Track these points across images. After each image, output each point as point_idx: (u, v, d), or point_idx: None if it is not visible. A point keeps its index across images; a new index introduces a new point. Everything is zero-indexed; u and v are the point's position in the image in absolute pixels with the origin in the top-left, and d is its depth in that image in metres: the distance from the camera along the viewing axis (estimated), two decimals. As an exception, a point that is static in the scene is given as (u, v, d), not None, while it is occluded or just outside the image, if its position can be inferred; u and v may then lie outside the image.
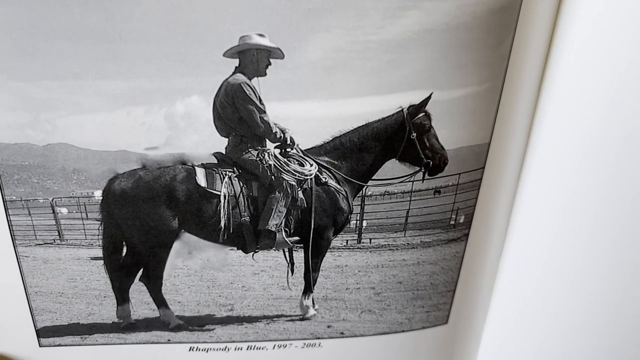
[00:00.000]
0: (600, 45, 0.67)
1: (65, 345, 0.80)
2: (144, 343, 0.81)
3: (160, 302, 0.82)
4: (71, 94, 0.65)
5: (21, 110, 0.66)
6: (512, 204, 0.79)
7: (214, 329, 0.82)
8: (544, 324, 0.82)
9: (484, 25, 0.65)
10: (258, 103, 0.78)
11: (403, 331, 0.83)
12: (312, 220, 0.86)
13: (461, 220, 0.79)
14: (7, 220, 0.72)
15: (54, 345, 0.79)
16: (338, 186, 0.88)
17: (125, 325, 0.81)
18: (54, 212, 0.84)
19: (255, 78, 0.75)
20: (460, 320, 0.85)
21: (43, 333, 0.79)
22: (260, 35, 0.65)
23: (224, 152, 0.82)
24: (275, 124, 0.79)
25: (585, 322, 0.78)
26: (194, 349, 0.80)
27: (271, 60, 0.68)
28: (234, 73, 0.74)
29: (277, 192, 0.84)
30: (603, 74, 0.67)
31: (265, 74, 0.71)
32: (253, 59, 0.73)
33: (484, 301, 0.85)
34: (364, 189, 0.90)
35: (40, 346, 0.79)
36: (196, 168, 0.82)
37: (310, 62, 0.65)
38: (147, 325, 0.81)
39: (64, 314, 0.80)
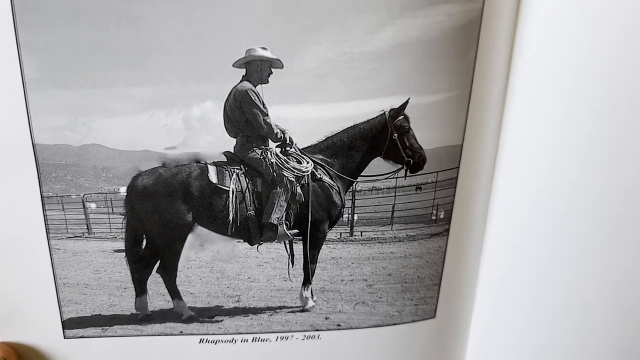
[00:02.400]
0: (552, 58, 0.74)
1: (87, 337, 0.81)
2: (158, 335, 0.82)
3: (175, 293, 0.86)
4: (104, 99, 0.71)
5: (62, 114, 0.71)
6: (488, 200, 0.83)
7: (222, 321, 0.84)
8: (527, 317, 0.84)
9: (450, 39, 0.72)
10: (262, 107, 0.85)
11: (395, 324, 0.84)
12: (310, 214, 0.91)
13: (441, 216, 0.83)
14: (44, 215, 0.75)
15: (77, 337, 0.80)
16: (331, 182, 0.94)
17: (142, 317, 0.83)
18: (84, 207, 0.89)
19: (259, 85, 0.83)
20: (447, 314, 0.86)
21: (68, 324, 0.80)
22: (263, 48, 0.72)
23: (232, 151, 0.88)
24: (276, 125, 0.86)
25: (565, 310, 0.82)
26: (204, 341, 0.82)
27: (272, 69, 0.76)
28: (241, 81, 0.81)
29: (278, 188, 0.90)
30: (557, 82, 0.74)
31: (268, 82, 0.79)
32: (257, 68, 0.79)
33: (468, 295, 0.87)
34: (354, 184, 0.96)
35: (64, 338, 0.80)
36: (208, 166, 0.88)
37: (305, 71, 0.72)
38: (162, 316, 0.84)
39: (87, 305, 0.82)
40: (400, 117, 0.84)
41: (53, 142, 0.73)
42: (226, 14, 0.68)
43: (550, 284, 0.81)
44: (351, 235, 0.96)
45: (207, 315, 0.85)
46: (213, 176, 0.89)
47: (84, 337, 0.80)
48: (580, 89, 0.73)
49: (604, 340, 0.82)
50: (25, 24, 0.67)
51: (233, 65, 0.73)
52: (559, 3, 0.72)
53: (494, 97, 0.77)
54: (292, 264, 0.90)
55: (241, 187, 0.90)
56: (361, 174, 0.96)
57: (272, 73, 0.78)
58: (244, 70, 0.80)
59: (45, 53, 0.68)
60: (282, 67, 0.73)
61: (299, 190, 0.91)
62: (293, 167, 0.90)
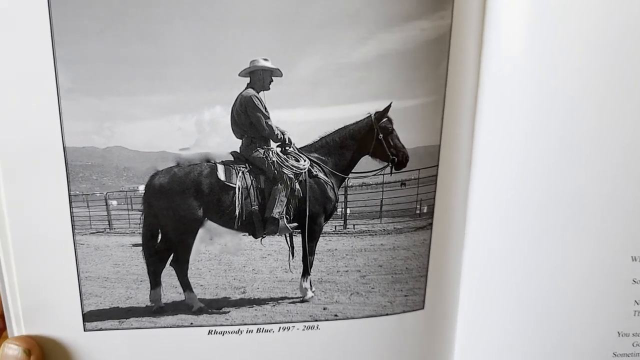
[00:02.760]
0: (516, 66, 0.80)
1: (105, 330, 0.81)
2: (170, 327, 0.83)
3: (186, 285, 0.87)
4: (127, 106, 0.76)
5: (91, 120, 0.75)
6: (467, 196, 0.86)
7: (229, 312, 0.86)
8: (510, 308, 0.84)
9: (424, 51, 0.78)
10: (264, 111, 0.90)
11: (387, 314, 0.85)
12: (307, 208, 0.96)
13: (425, 210, 0.86)
14: (70, 212, 0.77)
15: (96, 330, 0.81)
16: (326, 178, 0.98)
17: (156, 309, 0.85)
18: (106, 204, 0.93)
19: (262, 92, 0.87)
20: (435, 305, 0.87)
21: (88, 317, 0.80)
22: (265, 59, 0.78)
23: (238, 151, 0.93)
24: (276, 127, 0.89)
25: (546, 296, 0.83)
26: (212, 332, 0.83)
27: (273, 77, 0.81)
28: (246, 88, 0.85)
29: (279, 184, 0.94)
30: (522, 88, 0.80)
31: (269, 89, 0.84)
32: (260, 77, 0.84)
33: (454, 287, 0.88)
34: (346, 180, 1.01)
35: (85, 330, 0.81)
36: (217, 165, 0.93)
37: (301, 79, 0.78)
38: (174, 308, 0.85)
39: (106, 298, 0.83)
40: (384, 119, 0.88)
41: (81, 145, 0.77)
42: (233, 30, 0.74)
43: (529, 275, 0.83)
44: (345, 228, 1.03)
45: (215, 306, 0.86)
46: (221, 174, 0.93)
47: (102, 330, 0.81)
48: (543, 93, 0.78)
49: (589, 322, 0.82)
50: (62, 41, 0.71)
51: (239, 75, 0.79)
52: (518, 18, 0.78)
53: (466, 102, 0.82)
54: (293, 255, 0.93)
55: (246, 184, 0.95)
56: (352, 171, 1.01)
57: (272, 81, 0.82)
58: (249, 78, 0.84)
59: (78, 66, 0.73)
60: (281, 75, 0.78)
61: (297, 186, 0.95)
62: (292, 165, 0.94)
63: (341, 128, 0.93)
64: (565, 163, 0.79)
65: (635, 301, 0.80)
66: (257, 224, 0.96)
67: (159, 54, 0.75)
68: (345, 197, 1.02)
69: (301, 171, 0.96)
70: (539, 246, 0.82)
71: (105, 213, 0.96)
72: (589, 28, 0.77)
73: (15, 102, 0.73)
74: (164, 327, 0.83)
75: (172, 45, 0.74)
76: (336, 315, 0.85)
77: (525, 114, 0.80)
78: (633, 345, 0.82)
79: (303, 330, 0.84)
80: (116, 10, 0.72)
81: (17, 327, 0.79)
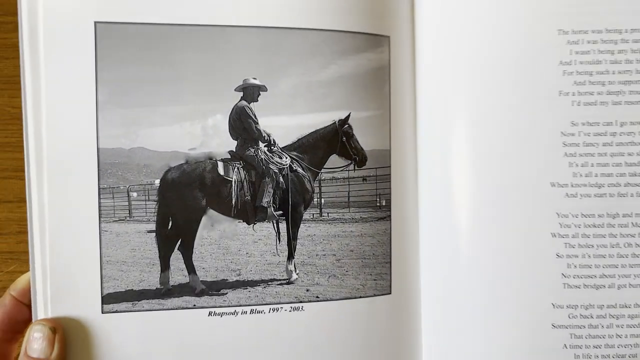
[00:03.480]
0: (442, 89, 0.87)
1: (120, 312, 0.81)
2: (176, 309, 0.82)
3: (191, 268, 0.89)
4: (149, 115, 0.81)
5: (120, 126, 0.80)
6: (417, 192, 0.88)
7: (226, 293, 0.86)
8: (462, 291, 0.85)
9: (371, 76, 0.86)
10: (254, 118, 0.96)
11: (360, 297, 0.85)
12: (290, 198, 1.01)
13: (384, 203, 0.88)
14: (99, 203, 0.80)
15: (112, 312, 0.80)
16: (304, 172, 1.05)
17: (165, 291, 0.85)
18: (128, 196, 1.01)
19: (252, 103, 0.93)
20: (401, 291, 0.87)
21: (106, 299, 0.80)
22: (254, 78, 0.85)
23: (234, 150, 0.99)
24: (264, 130, 0.97)
25: (488, 275, 0.84)
26: (212, 314, 0.83)
27: (260, 92, 0.87)
28: (240, 100, 0.91)
29: (267, 178, 1.01)
30: (449, 104, 0.86)
31: (258, 100, 0.90)
32: (250, 92, 0.90)
33: (415, 274, 0.88)
34: (319, 174, 1.07)
35: (102, 312, 0.80)
36: (218, 162, 1.00)
37: (281, 92, 0.85)
38: (179, 291, 0.85)
39: (123, 282, 0.84)
40: (346, 126, 0.92)
41: (111, 147, 0.81)
42: (230, 57, 0.83)
43: (473, 260, 0.84)
44: (320, 215, 1.09)
45: (215, 288, 0.86)
46: (221, 169, 1.00)
47: (118, 312, 0.80)
48: (461, 108, 0.85)
49: (526, 295, 0.82)
50: (103, 66, 0.79)
51: (234, 90, 0.86)
52: (440, 55, 0.87)
53: (408, 115, 0.88)
54: (279, 240, 0.97)
55: (241, 177, 1.01)
56: (324, 167, 1.07)
57: (260, 94, 0.88)
58: (242, 93, 0.89)
59: (113, 84, 0.79)
60: (266, 90, 0.85)
61: (281, 179, 1.01)
62: (276, 162, 1.02)
63: (313, 131, 0.98)
64: (491, 162, 0.84)
65: (562, 274, 0.81)
66: (250, 212, 1.01)
67: (175, 75, 0.82)
68: (320, 189, 1.09)
69: (284, 166, 1.02)
70: (477, 233, 0.84)
71: (127, 203, 1.03)
72: (489, 47, 0.85)
73: (63, 111, 0.79)
74: (171, 309, 0.82)
75: (185, 69, 0.82)
76: (317, 297, 0.86)
77: (452, 125, 0.85)
78: (569, 317, 0.82)
79: (290, 311, 0.84)
80: (145, 44, 0.80)
81: (45, 310, 0.79)
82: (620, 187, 0.81)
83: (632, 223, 0.81)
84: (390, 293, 0.86)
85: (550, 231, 0.82)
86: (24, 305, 0.80)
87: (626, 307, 0.81)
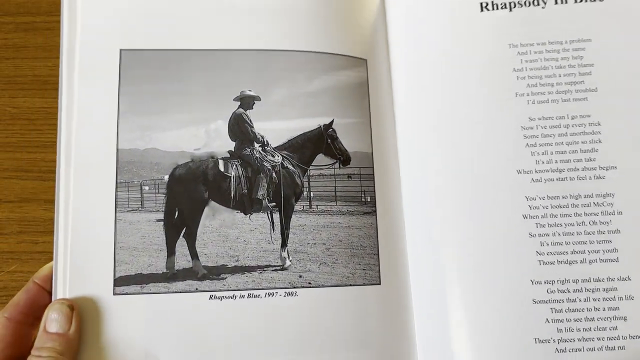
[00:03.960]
0: (415, 99, 0.94)
1: (130, 294, 0.83)
2: (179, 292, 0.84)
3: (194, 254, 0.92)
4: (161, 121, 0.88)
5: (136, 130, 0.87)
6: (400, 190, 0.91)
7: (226, 278, 0.88)
8: (450, 278, 0.86)
9: (351, 89, 0.93)
10: (250, 123, 1.00)
11: (350, 285, 0.86)
12: (282, 191, 1.05)
13: (369, 200, 0.90)
14: (115, 195, 0.85)
15: (123, 294, 0.82)
16: (294, 169, 1.09)
17: (170, 275, 0.87)
18: (141, 189, 1.05)
19: (248, 110, 0.98)
20: (390, 281, 0.88)
21: (118, 282, 0.83)
22: (250, 90, 0.93)
23: (233, 150, 1.04)
24: (258, 133, 1.01)
25: (471, 258, 0.86)
26: (213, 297, 0.84)
27: (255, 101, 0.93)
28: (237, 108, 0.95)
29: (261, 174, 1.05)
30: (422, 111, 0.93)
31: (253, 108, 0.95)
32: (247, 101, 0.95)
33: (404, 266, 0.89)
34: (307, 171, 1.10)
35: (114, 294, 0.82)
36: (219, 160, 1.05)
37: (273, 102, 0.92)
38: (184, 275, 0.87)
39: (133, 266, 0.86)
40: (330, 130, 0.98)
41: (128, 147, 0.87)
42: (229, 74, 0.90)
43: (457, 248, 0.87)
44: (310, 207, 1.10)
45: (215, 273, 0.88)
46: (221, 167, 1.04)
47: (127, 294, 0.82)
48: (437, 114, 0.92)
49: (505, 274, 0.85)
50: (125, 82, 0.88)
51: (233, 100, 0.93)
52: (412, 73, 0.94)
53: (388, 122, 0.94)
54: (273, 229, 1.00)
55: (238, 173, 1.05)
56: (312, 165, 1.11)
57: (255, 103, 0.94)
58: (239, 102, 0.95)
59: (132, 97, 0.88)
60: (260, 100, 0.92)
61: (274, 175, 1.06)
62: (270, 160, 1.06)
63: (301, 134, 1.05)
64: (461, 158, 0.89)
65: (537, 251, 0.85)
66: (247, 204, 1.05)
67: (183, 89, 0.90)
68: (309, 184, 1.10)
69: (276, 164, 1.06)
70: (457, 223, 0.88)
71: (139, 196, 1.06)
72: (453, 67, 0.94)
73: (90, 119, 0.86)
74: (175, 292, 0.84)
75: (191, 84, 0.90)
76: (310, 283, 0.86)
77: (427, 129, 0.92)
78: (548, 292, 0.84)
79: (284, 296, 0.85)
80: (159, 64, 0.89)
81: (63, 291, 0.82)
82: (579, 171, 0.87)
83: (594, 203, 0.86)
84: (379, 284, 0.87)
85: (521, 213, 0.86)
86: (46, 291, 0.83)
87: (600, 280, 0.83)
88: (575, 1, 0.93)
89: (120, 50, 0.89)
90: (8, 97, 1.09)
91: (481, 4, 0.95)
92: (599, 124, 0.88)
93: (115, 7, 0.91)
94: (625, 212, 0.85)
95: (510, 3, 0.95)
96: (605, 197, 0.86)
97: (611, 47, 0.90)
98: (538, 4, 0.94)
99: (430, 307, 0.85)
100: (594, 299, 0.83)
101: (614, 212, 0.85)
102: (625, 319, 0.81)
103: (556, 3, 0.94)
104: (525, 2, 0.95)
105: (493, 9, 0.94)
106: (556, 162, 0.88)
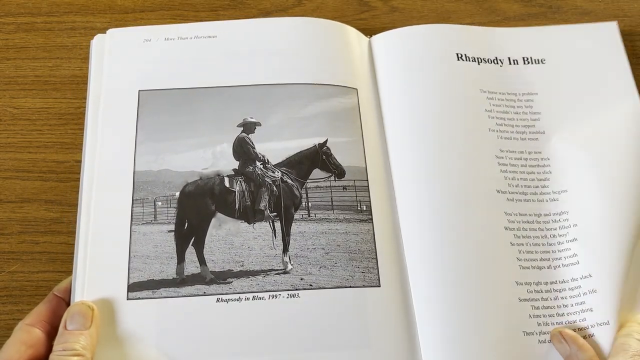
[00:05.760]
0: (403, 118, 1.02)
1: (142, 299, 0.85)
2: (189, 296, 0.87)
3: (202, 261, 0.95)
4: (174, 146, 0.97)
5: (152, 154, 0.95)
6: (394, 200, 0.97)
7: (232, 282, 0.90)
8: (444, 280, 0.90)
9: (344, 114, 1.00)
10: (252, 144, 1.05)
11: (350, 287, 0.87)
12: (282, 203, 1.09)
13: (364, 208, 0.94)
14: (131, 211, 0.91)
15: (135, 299, 0.85)
16: (292, 182, 1.12)
17: (180, 281, 0.90)
18: (154, 205, 1.04)
19: (250, 134, 1.04)
20: (390, 284, 0.89)
21: (132, 288, 0.86)
22: (251, 117, 1.01)
23: (237, 168, 1.08)
24: (259, 153, 1.05)
25: (459, 261, 0.90)
26: (220, 300, 0.87)
27: (256, 126, 1.01)
28: (241, 133, 1.03)
29: (263, 188, 1.09)
30: (412, 129, 1.00)
31: (254, 132, 1.03)
32: (249, 127, 1.03)
33: (403, 270, 0.90)
34: (305, 184, 1.14)
35: (127, 299, 0.85)
36: (224, 177, 1.08)
37: (272, 126, 1.00)
38: (192, 280, 0.90)
39: (145, 272, 0.88)
40: (324, 148, 1.03)
41: (144, 169, 0.95)
42: (232, 104, 1.00)
43: (445, 252, 0.91)
44: (309, 216, 1.10)
45: (222, 277, 0.91)
46: (227, 183, 1.08)
47: (140, 299, 0.85)
48: (424, 139, 0.99)
49: (490, 276, 0.89)
50: (142, 114, 0.96)
51: (237, 126, 1.02)
52: (399, 102, 1.03)
53: (378, 141, 1.01)
54: (275, 236, 1.02)
55: (242, 188, 1.09)
56: (309, 178, 1.14)
57: (256, 128, 1.02)
58: (242, 128, 1.03)
59: (148, 127, 0.97)
60: (260, 125, 1.01)
61: (274, 188, 1.10)
62: (270, 175, 1.11)
63: (298, 152, 1.08)
64: (450, 179, 0.97)
65: (517, 257, 0.92)
66: (250, 214, 1.08)
67: (193, 118, 1.00)
68: (307, 195, 1.14)
69: (276, 178, 1.11)
70: (450, 234, 0.93)
71: (153, 210, 1.05)
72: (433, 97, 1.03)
73: (111, 147, 0.95)
74: (184, 296, 0.87)
75: (200, 114, 1.00)
76: (311, 285, 0.88)
77: (417, 150, 1.00)
78: (528, 291, 0.89)
79: (287, 298, 0.87)
80: (172, 100, 0.99)
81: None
82: (538, 195, 0.98)
83: (552, 220, 0.96)
84: (379, 286, 0.89)
85: (503, 226, 0.94)
86: (65, 303, 0.85)
87: (564, 282, 0.90)
88: (524, 62, 1.12)
89: (139, 91, 1.00)
90: (9, 98, 1.09)
91: (457, 54, 1.11)
92: (548, 159, 1.02)
93: (135, 57, 1.04)
94: (579, 224, 0.95)
95: (477, 58, 1.11)
96: (561, 214, 0.97)
97: (554, 99, 1.07)
98: (497, 63, 1.12)
99: (431, 310, 0.88)
100: (562, 297, 0.90)
101: (570, 225, 0.96)
102: (591, 309, 0.87)
103: (510, 63, 1.12)
104: (487, 60, 1.12)
105: (466, 60, 1.10)
106: (522, 186, 0.99)
